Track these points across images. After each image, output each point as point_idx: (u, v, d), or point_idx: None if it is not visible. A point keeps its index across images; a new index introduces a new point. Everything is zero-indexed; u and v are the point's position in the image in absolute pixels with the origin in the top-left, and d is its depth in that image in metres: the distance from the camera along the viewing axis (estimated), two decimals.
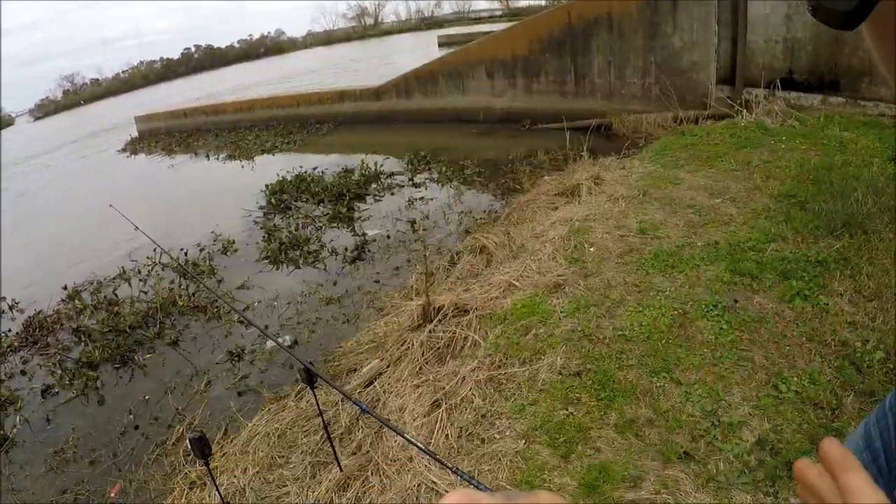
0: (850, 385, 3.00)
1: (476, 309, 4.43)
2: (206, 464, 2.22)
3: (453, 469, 2.13)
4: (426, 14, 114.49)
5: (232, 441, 3.79)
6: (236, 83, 45.17)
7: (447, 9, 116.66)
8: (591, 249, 5.12)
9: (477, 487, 1.87)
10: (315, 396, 2.69)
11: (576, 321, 3.93)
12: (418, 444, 2.42)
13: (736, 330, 3.52)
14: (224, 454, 3.62)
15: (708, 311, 3.74)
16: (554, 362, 3.52)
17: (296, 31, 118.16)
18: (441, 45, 47.72)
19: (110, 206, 5.38)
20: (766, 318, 3.59)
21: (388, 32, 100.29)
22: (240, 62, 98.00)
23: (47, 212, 13.72)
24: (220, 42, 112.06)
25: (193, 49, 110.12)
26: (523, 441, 2.96)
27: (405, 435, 2.35)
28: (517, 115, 12.74)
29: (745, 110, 9.20)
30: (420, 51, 43.77)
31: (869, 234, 4.36)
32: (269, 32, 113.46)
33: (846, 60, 9.69)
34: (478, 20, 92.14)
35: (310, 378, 2.41)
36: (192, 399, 4.72)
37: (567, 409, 3.12)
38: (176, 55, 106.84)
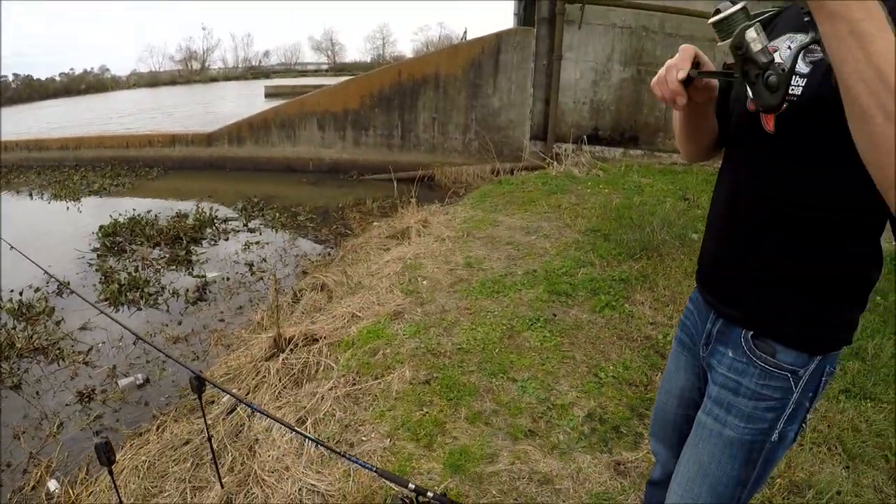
0: (656, 367, 3.70)
1: (324, 337, 4.64)
2: (111, 471, 2.23)
3: (341, 453, 2.35)
4: (254, 63, 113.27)
5: (97, 481, 3.69)
6: (58, 119, 42.20)
7: (274, 59, 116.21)
8: (425, 282, 5.53)
9: (364, 467, 2.17)
10: (203, 408, 2.77)
11: (418, 340, 4.28)
12: (308, 435, 2.62)
13: (557, 336, 4.09)
14: (91, 493, 3.53)
15: (532, 325, 4.29)
16: (404, 374, 3.83)
17: (120, 69, 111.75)
18: (268, 95, 47.29)
19: None
20: (581, 325, 4.23)
21: (215, 79, 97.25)
22: (60, 97, 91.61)
23: None
24: (41, 73, 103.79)
25: (12, 78, 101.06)
26: (388, 440, 3.24)
27: (297, 429, 2.54)
28: (345, 165, 13.16)
29: (555, 162, 10.32)
30: (245, 100, 43.26)
31: (663, 256, 5.28)
32: (92, 68, 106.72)
33: (644, 119, 11.27)
34: (304, 73, 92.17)
35: (200, 386, 2.48)
36: (46, 442, 4.45)
37: (422, 410, 3.45)
38: None
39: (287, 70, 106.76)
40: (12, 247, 4.63)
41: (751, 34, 1.01)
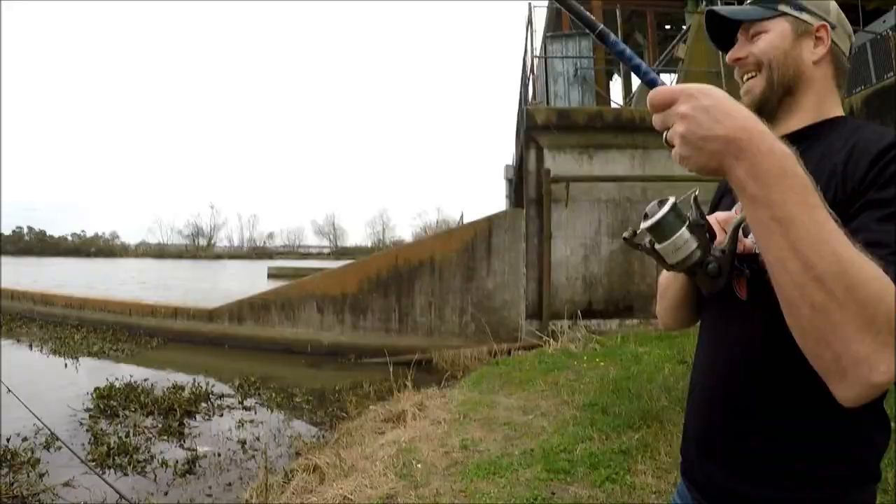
0: None
1: None
2: None
3: None
4: (258, 243, 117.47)
5: None
6: (63, 277, 43.01)
7: (278, 241, 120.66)
8: (419, 465, 5.38)
9: None
10: None
11: None
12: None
13: None
14: None
15: None
16: None
17: (130, 237, 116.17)
18: (270, 276, 48.76)
19: None
20: (581, 501, 4.06)
21: (220, 256, 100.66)
22: (71, 256, 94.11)
23: None
24: (55, 230, 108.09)
25: (25, 230, 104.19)
26: None
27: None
28: (344, 349, 13.18)
29: (551, 339, 10.40)
30: (248, 279, 44.36)
31: (664, 423, 5.17)
32: (103, 232, 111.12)
33: (636, 288, 11.53)
34: (307, 255, 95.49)
35: None
36: None
37: None
38: (7, 231, 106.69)
39: (290, 252, 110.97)
40: (10, 390, 4.66)
41: (680, 238, 1.01)
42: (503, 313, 12.04)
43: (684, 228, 1.01)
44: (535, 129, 11.90)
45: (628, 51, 1.06)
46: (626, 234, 1.11)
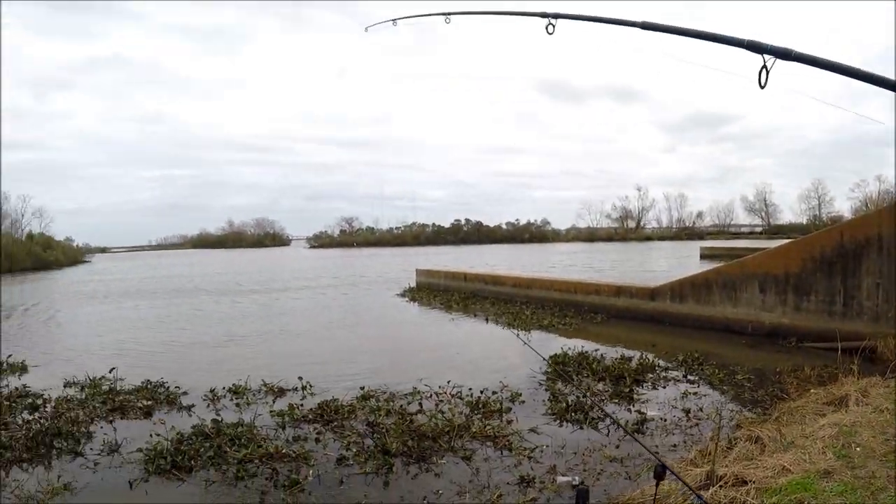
0: None
1: (754, 482, 5.35)
2: None
3: None
4: (687, 224, 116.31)
5: None
6: (499, 260, 49.91)
7: (707, 220, 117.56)
8: (858, 449, 5.83)
9: None
10: (656, 492, 3.68)
11: (844, 499, 4.70)
12: None
13: None
14: None
15: None
16: None
17: (560, 222, 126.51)
18: (703, 256, 48.55)
19: None
20: None
21: (649, 238, 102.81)
22: (505, 242, 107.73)
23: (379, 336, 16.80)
24: (488, 220, 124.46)
25: (464, 222, 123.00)
26: None
27: None
28: (784, 330, 13.32)
29: None
30: (677, 260, 44.79)
31: None
32: (535, 220, 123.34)
33: None
34: (737, 235, 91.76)
35: (661, 473, 3.02)
36: None
37: None
38: (446, 223, 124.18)
39: (720, 231, 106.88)
40: (526, 342, 6.43)
41: None
42: None
43: None
44: None
45: None
46: None
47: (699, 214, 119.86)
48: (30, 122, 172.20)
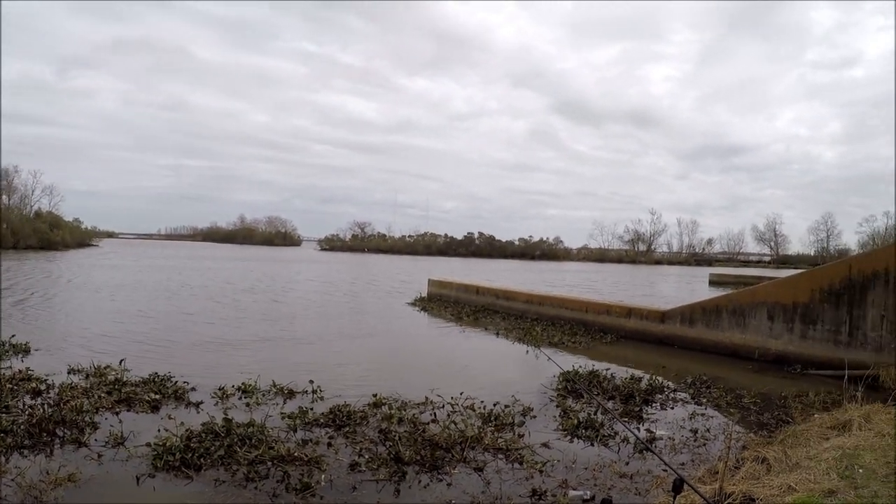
0: None
1: (761, 500, 5.61)
2: None
3: None
4: (697, 250, 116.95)
5: None
6: (511, 275, 49.85)
7: (717, 247, 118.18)
8: (861, 470, 6.10)
9: None
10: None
11: None
12: None
13: None
14: None
15: None
16: None
17: (571, 241, 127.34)
18: (712, 283, 48.63)
19: None
20: None
21: (658, 262, 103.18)
22: (515, 258, 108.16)
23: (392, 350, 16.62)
24: (501, 235, 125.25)
25: (477, 235, 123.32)
26: None
27: None
28: (790, 357, 13.60)
29: None
30: (686, 284, 44.75)
31: None
32: (547, 238, 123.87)
33: None
34: (746, 263, 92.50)
35: (679, 487, 3.18)
36: None
37: None
38: (458, 235, 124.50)
39: (729, 259, 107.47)
40: (549, 357, 6.57)
41: None
42: None
43: None
44: None
45: None
46: None
47: (709, 241, 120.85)
48: (47, 98, 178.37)
